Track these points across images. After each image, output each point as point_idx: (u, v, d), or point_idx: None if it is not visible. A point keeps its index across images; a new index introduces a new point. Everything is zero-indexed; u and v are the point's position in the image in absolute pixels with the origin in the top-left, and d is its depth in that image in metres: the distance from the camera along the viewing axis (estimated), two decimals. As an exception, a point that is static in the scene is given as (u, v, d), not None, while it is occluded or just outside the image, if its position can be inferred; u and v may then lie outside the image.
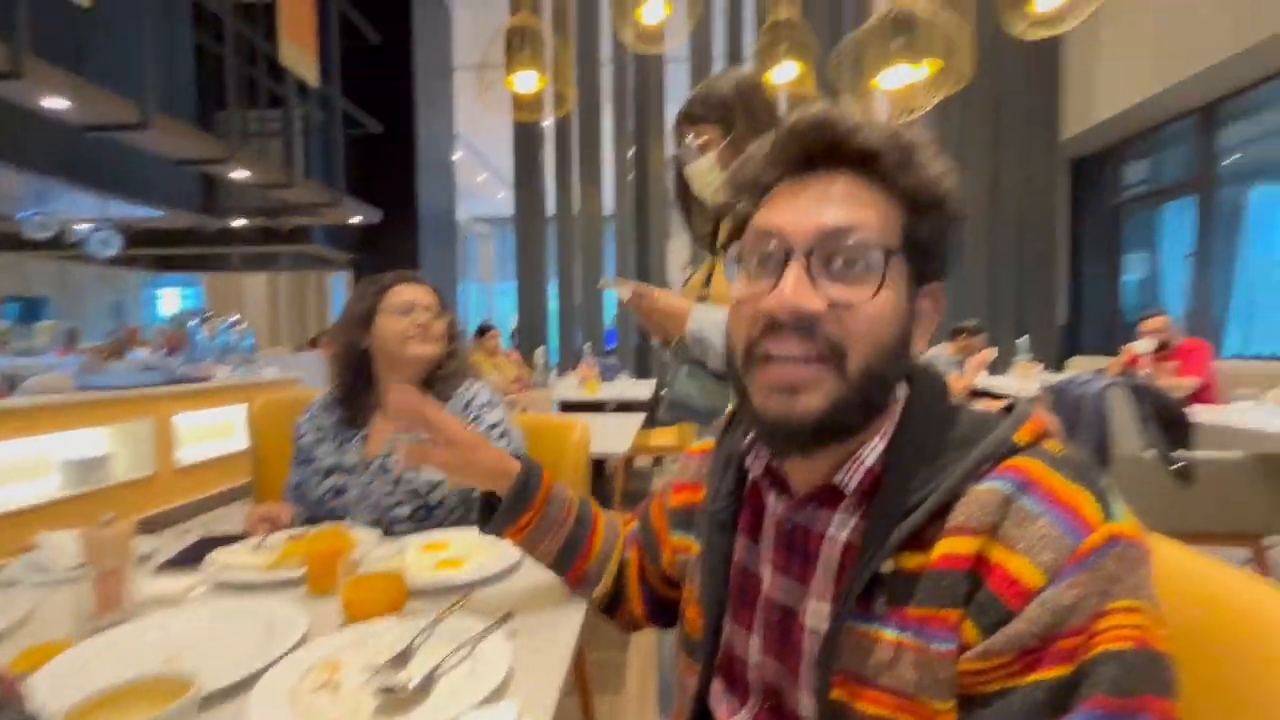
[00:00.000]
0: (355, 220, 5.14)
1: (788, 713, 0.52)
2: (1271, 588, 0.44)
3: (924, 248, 0.48)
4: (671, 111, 4.56)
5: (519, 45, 3.23)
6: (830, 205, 0.47)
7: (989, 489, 0.42)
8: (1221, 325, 4.88)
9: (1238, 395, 2.56)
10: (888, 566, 0.44)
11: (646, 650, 1.97)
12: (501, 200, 11.93)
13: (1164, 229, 5.02)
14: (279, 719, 0.55)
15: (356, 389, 1.26)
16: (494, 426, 1.22)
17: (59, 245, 5.21)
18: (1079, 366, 4.17)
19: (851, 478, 0.48)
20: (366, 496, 1.17)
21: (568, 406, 3.41)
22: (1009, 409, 0.49)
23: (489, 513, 0.76)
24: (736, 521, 0.58)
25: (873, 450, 0.48)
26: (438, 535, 1.04)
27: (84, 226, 4.80)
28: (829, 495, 0.50)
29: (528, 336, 4.97)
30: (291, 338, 8.78)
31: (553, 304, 5.33)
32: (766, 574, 0.55)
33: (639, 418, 2.80)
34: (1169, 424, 2.19)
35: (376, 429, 1.25)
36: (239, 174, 3.71)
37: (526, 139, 5.03)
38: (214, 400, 3.71)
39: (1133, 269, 5.16)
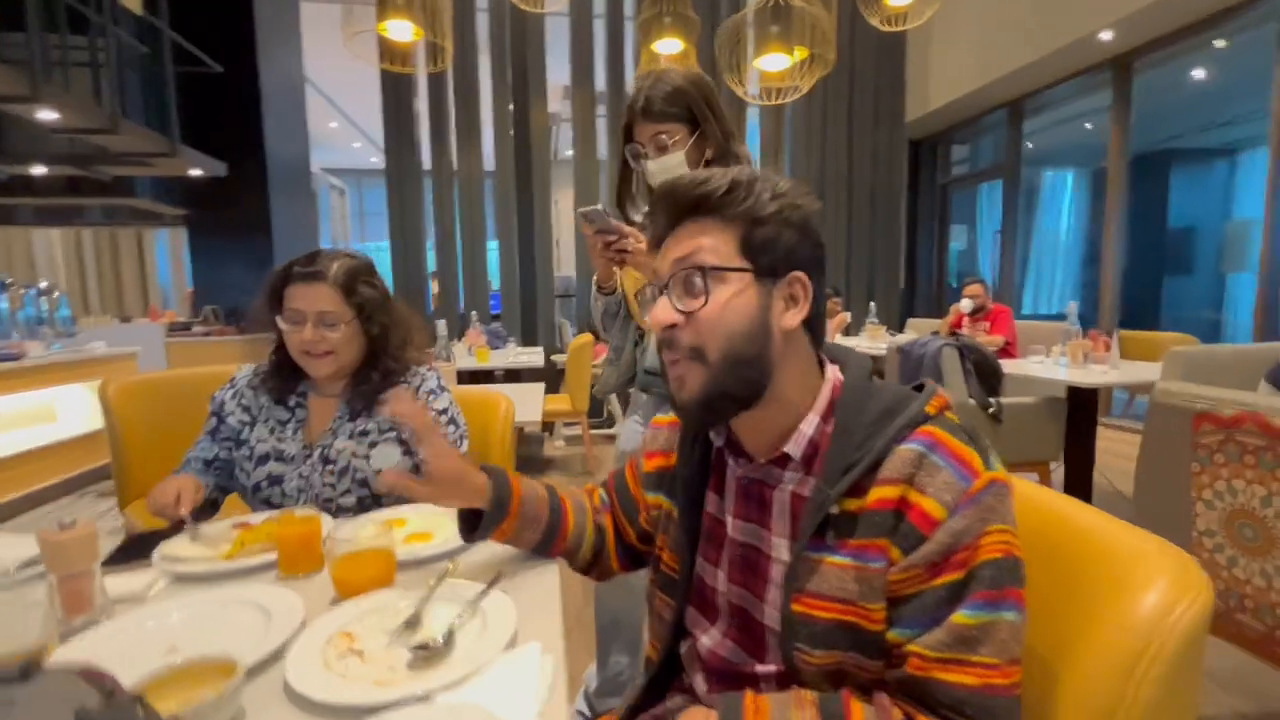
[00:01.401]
0: (195, 173, 4.53)
1: (754, 625, 0.68)
2: (1072, 500, 0.65)
3: (766, 251, 0.62)
4: (553, 66, 4.49)
5: (394, -10, 3.01)
6: (679, 244, 0.64)
7: (908, 449, 0.59)
8: (1020, 290, 5.83)
9: (1032, 351, 3.14)
10: (835, 509, 0.61)
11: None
12: (358, 151, 10.96)
13: (980, 206, 5.86)
14: (317, 682, 0.61)
15: (286, 370, 1.22)
16: (443, 413, 1.25)
17: None
18: (915, 328, 4.83)
19: (798, 446, 0.64)
20: (309, 486, 1.17)
21: (462, 377, 3.38)
22: (919, 387, 0.66)
23: (469, 523, 0.83)
24: (706, 482, 0.73)
25: (810, 423, 0.64)
26: (390, 513, 1.08)
27: None
28: (780, 459, 0.66)
29: (406, 301, 4.75)
30: (106, 306, 7.59)
31: (430, 267, 5.12)
32: (729, 520, 0.71)
33: (540, 386, 2.86)
34: (985, 376, 2.68)
35: (315, 414, 1.23)
36: (47, 114, 3.12)
37: (397, 90, 4.70)
38: (27, 382, 3.21)
39: (956, 241, 6.00)
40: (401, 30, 3.34)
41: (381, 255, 4.46)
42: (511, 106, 4.78)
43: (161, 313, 6.13)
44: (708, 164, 1.29)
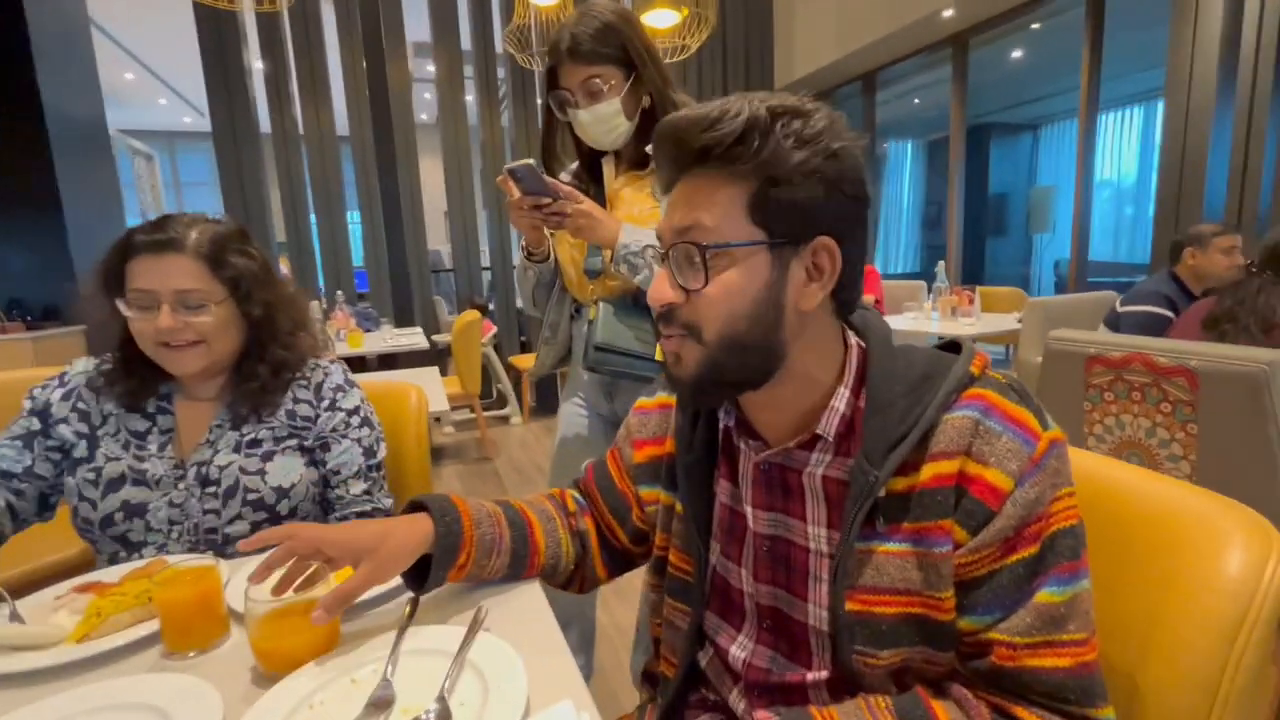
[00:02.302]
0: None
1: (793, 627, 0.60)
2: (1104, 459, 0.63)
3: (783, 214, 0.51)
4: (410, 22, 4.07)
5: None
6: (680, 208, 0.54)
7: (961, 416, 0.52)
8: (873, 253, 6.30)
9: (906, 308, 3.38)
10: (882, 492, 0.53)
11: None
12: (165, 109, 9.36)
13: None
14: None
15: (139, 368, 0.94)
16: (353, 413, 1.03)
17: None
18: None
19: (830, 425, 0.56)
20: (184, 516, 0.91)
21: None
22: (951, 345, 0.60)
23: (416, 573, 0.67)
24: (715, 469, 0.64)
25: (841, 398, 0.56)
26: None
27: None
28: (809, 441, 0.57)
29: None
30: None
31: (276, 241, 4.48)
32: (749, 512, 0.61)
33: (434, 371, 2.60)
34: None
35: (185, 423, 0.96)
36: None
37: (220, 37, 3.97)
38: None
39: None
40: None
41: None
42: (365, 63, 4.25)
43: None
44: (644, 113, 1.15)
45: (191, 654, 0.64)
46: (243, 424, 0.98)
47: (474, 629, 0.62)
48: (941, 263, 3.14)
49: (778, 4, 5.03)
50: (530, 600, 0.70)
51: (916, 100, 7.12)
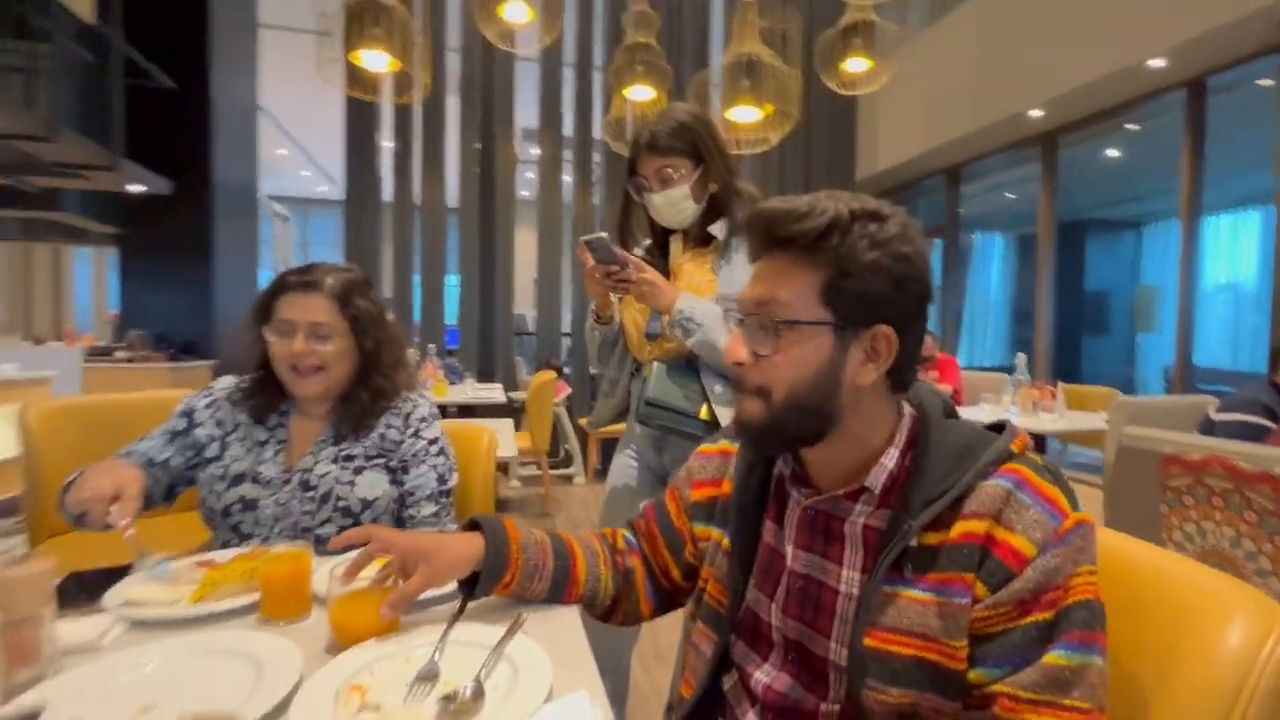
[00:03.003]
0: (136, 189, 4.26)
1: (814, 661, 0.64)
2: (1123, 536, 0.65)
3: (849, 302, 0.59)
4: (521, 107, 4.52)
5: (372, 20, 2.99)
6: (761, 282, 0.63)
7: (995, 485, 0.57)
8: (956, 345, 6.13)
9: (984, 399, 3.27)
10: (914, 542, 0.58)
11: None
12: (305, 179, 10.67)
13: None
14: (337, 747, 0.52)
15: (269, 387, 1.13)
16: (433, 442, 1.17)
17: None
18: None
19: (877, 479, 0.62)
20: (286, 514, 1.06)
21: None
22: (997, 427, 0.66)
23: (470, 585, 0.76)
24: (764, 511, 0.70)
25: (891, 457, 0.63)
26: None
27: None
28: (855, 492, 0.64)
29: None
30: (14, 326, 6.96)
31: (384, 297, 4.94)
32: (789, 551, 0.68)
33: (509, 423, 2.77)
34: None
35: (297, 436, 1.13)
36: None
37: (362, 119, 4.61)
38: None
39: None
40: (376, 61, 3.30)
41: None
42: (478, 145, 4.77)
43: (78, 336, 5.66)
44: (711, 199, 1.30)
45: (281, 623, 0.76)
46: (342, 441, 1.13)
47: (513, 630, 0.70)
48: (1022, 355, 3.05)
49: (862, 99, 5.25)
50: (568, 618, 0.77)
51: (1008, 194, 7.06)
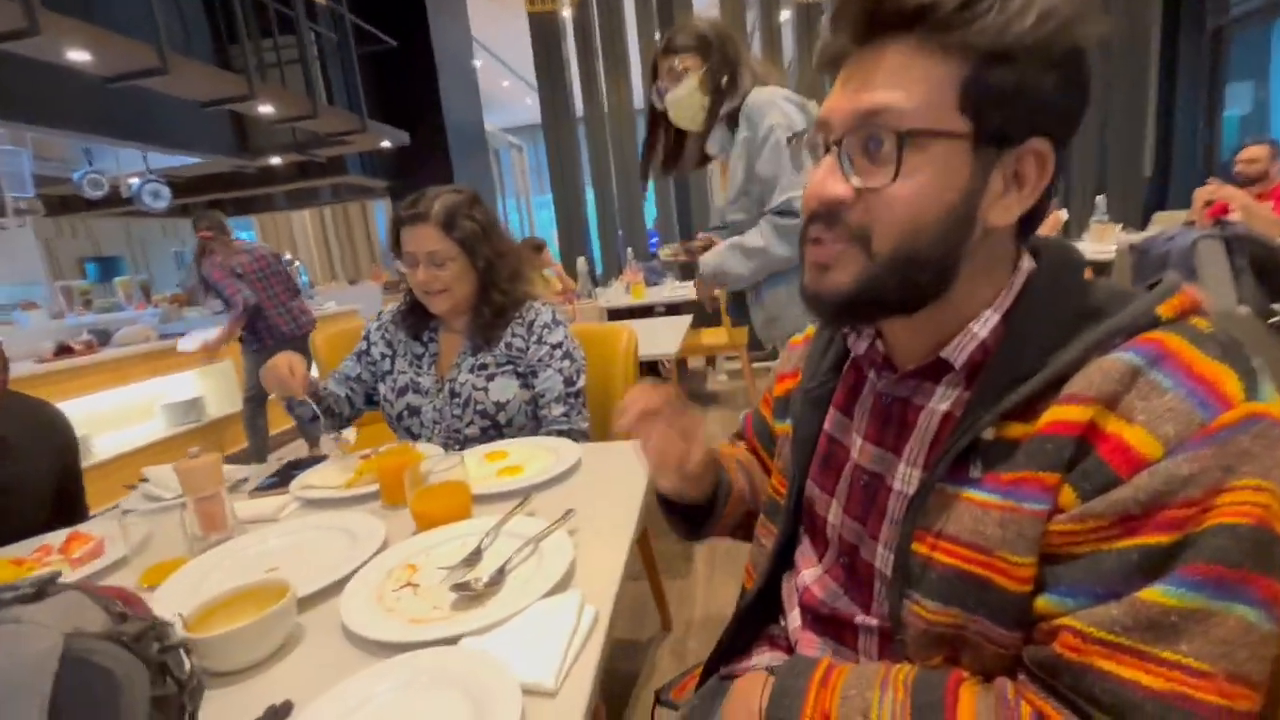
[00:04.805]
0: (385, 145, 5.06)
1: (861, 565, 0.54)
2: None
3: (1003, 104, 0.42)
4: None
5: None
6: (868, 86, 0.44)
7: (1117, 359, 0.40)
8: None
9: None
10: (989, 434, 0.43)
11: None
12: (530, 107, 11.43)
13: (1274, 54, 4.34)
14: (367, 616, 0.60)
15: (418, 308, 1.27)
16: (556, 347, 1.23)
17: (116, 202, 5.39)
18: (1162, 224, 3.82)
19: (961, 350, 0.47)
20: (441, 419, 1.22)
21: (615, 314, 3.42)
22: (1153, 286, 0.45)
23: (681, 518, 0.72)
24: (830, 397, 0.59)
25: (984, 323, 0.46)
26: (498, 445, 1.08)
27: (134, 181, 4.93)
28: (935, 369, 0.49)
29: (568, 246, 4.93)
30: (345, 271, 9.02)
31: (590, 210, 5.21)
32: (856, 443, 0.56)
33: (686, 319, 2.78)
34: (1267, 274, 2.01)
35: (445, 349, 1.28)
36: (264, 109, 3.67)
37: (544, 32, 4.73)
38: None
39: (1236, 103, 4.51)
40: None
41: (544, 207, 4.61)
42: (657, 36, 4.56)
43: (381, 273, 7.11)
44: (717, 90, 1.37)
45: (398, 508, 0.89)
46: (478, 352, 1.25)
47: (554, 526, 0.73)
48: None
49: None
50: (620, 520, 0.77)
51: None
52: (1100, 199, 3.69)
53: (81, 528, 0.87)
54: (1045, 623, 0.41)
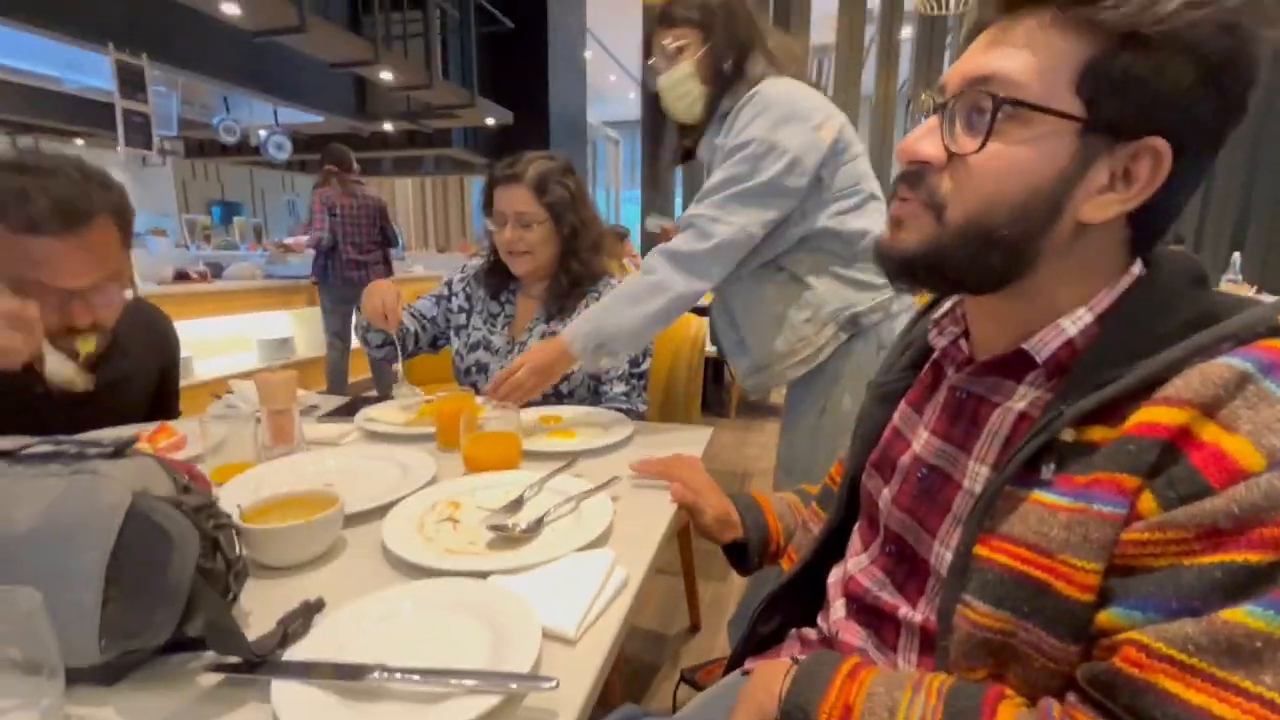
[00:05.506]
0: (489, 121, 5.26)
1: (915, 562, 0.51)
2: None
3: (1123, 91, 0.38)
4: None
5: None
6: (989, 51, 0.42)
7: (1223, 364, 0.36)
8: None
9: None
10: (1069, 435, 0.40)
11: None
12: (632, 102, 11.58)
13: None
14: (406, 539, 0.62)
15: (500, 268, 1.30)
16: None
17: (245, 151, 5.85)
18: (1308, 291, 3.42)
19: (1045, 345, 0.44)
20: None
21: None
22: None
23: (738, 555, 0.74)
24: (903, 393, 0.58)
25: (1076, 320, 0.43)
26: (555, 409, 1.09)
27: (262, 132, 5.34)
28: (1017, 365, 0.46)
29: (649, 240, 4.96)
30: (436, 240, 9.44)
31: (677, 209, 5.22)
32: (922, 436, 0.53)
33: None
34: None
35: (520, 312, 1.31)
36: (385, 74, 3.89)
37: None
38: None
39: None
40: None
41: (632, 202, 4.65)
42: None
43: (470, 246, 7.39)
44: (719, 80, 1.05)
45: (452, 450, 0.91)
46: (551, 319, 1.26)
47: (598, 489, 0.72)
48: None
49: None
50: (663, 497, 0.75)
51: None
52: (1236, 256, 3.36)
53: (169, 423, 0.94)
54: (1107, 638, 0.36)
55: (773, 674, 0.46)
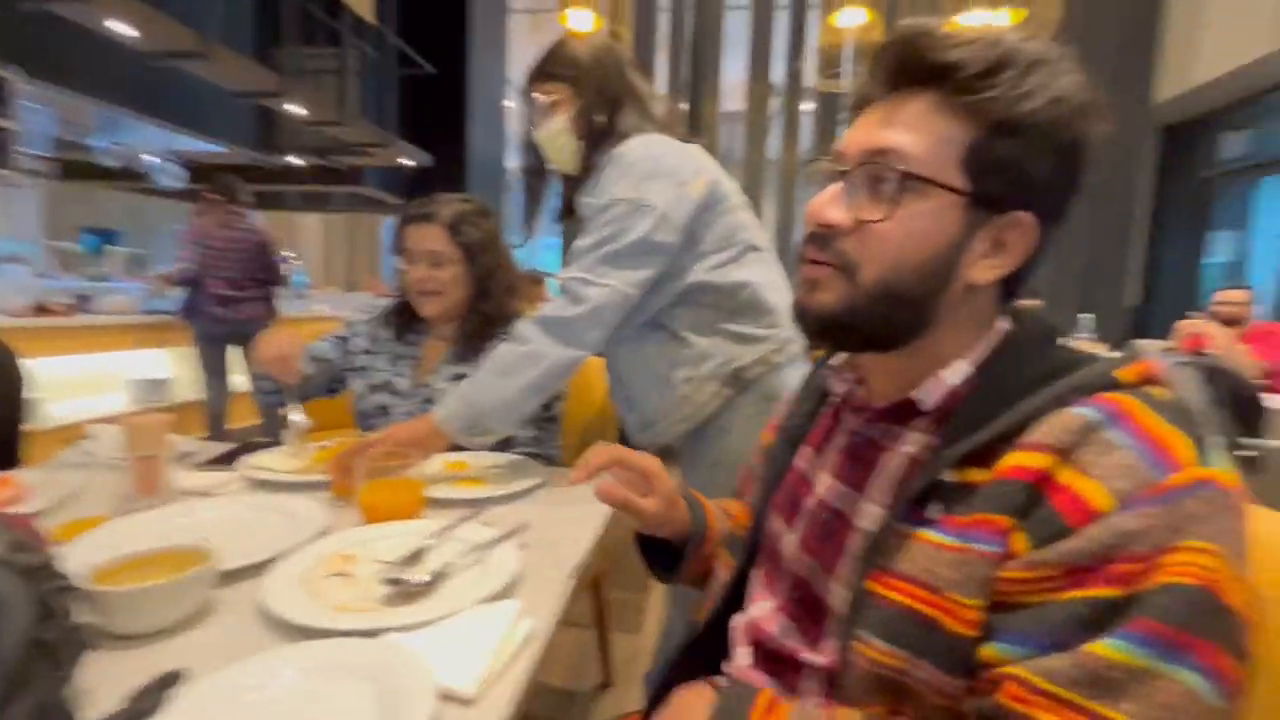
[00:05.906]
0: (405, 162, 5.18)
1: (815, 604, 0.53)
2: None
3: (999, 172, 0.45)
4: (728, 64, 4.28)
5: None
6: (885, 126, 0.47)
7: (1075, 413, 0.40)
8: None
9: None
10: (951, 476, 0.44)
11: (666, 591, 1.99)
12: (551, 152, 11.80)
13: (1260, 207, 4.61)
14: (289, 597, 0.57)
15: (408, 309, 1.26)
16: None
17: (128, 176, 5.42)
18: (1143, 349, 3.93)
19: (930, 394, 0.48)
20: None
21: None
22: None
23: (655, 558, 0.70)
24: (805, 436, 0.60)
25: (955, 371, 0.48)
26: (461, 455, 1.05)
27: (152, 159, 4.97)
28: (906, 412, 0.50)
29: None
30: (343, 279, 9.03)
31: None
32: (824, 480, 0.56)
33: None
34: (1240, 409, 2.05)
35: (427, 353, 1.26)
36: (293, 108, 3.76)
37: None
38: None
39: (1219, 250, 4.77)
40: (582, 19, 3.47)
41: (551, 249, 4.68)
42: (686, 105, 4.76)
43: (379, 285, 7.12)
44: (591, 135, 1.04)
45: (338, 498, 0.85)
46: (459, 361, 1.23)
47: (505, 536, 0.69)
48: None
49: (1173, -4, 4.02)
50: (576, 535, 0.74)
51: None
52: (1086, 318, 3.81)
53: (8, 473, 0.82)
54: (990, 671, 0.39)
55: (693, 703, 0.48)
